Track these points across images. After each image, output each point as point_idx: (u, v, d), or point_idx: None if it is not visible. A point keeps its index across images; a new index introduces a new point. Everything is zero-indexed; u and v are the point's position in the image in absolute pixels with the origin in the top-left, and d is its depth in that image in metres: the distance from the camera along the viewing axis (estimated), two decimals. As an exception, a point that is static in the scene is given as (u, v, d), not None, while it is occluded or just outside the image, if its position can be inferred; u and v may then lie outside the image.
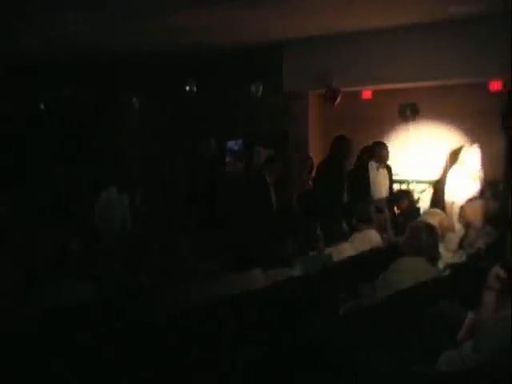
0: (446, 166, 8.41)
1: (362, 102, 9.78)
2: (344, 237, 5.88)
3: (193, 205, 8.93)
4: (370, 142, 8.46)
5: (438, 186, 8.53)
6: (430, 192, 8.94)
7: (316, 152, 9.63)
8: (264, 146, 9.77)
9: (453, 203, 7.19)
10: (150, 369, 3.30)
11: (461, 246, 5.58)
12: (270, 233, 5.39)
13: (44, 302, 3.82)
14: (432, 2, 7.37)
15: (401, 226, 6.38)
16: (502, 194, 7.16)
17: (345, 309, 4.24)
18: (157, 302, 3.93)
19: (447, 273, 4.65)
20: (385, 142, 8.48)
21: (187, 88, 10.49)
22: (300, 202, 8.54)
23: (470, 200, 6.17)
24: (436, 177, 8.96)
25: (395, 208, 7.72)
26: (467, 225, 5.80)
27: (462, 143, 7.96)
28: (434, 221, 5.42)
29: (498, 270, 2.86)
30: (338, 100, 9.44)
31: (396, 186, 8.71)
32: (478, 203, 5.98)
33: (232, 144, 10.77)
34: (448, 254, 5.28)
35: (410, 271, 4.30)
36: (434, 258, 4.54)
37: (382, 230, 6.19)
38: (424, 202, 8.72)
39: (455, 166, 7.83)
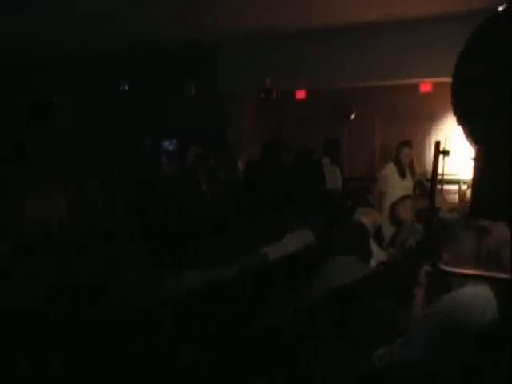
0: (380, 164, 8.52)
1: (296, 101, 9.86)
2: (279, 236, 5.89)
3: (127, 205, 8.79)
4: (324, 138, 8.51)
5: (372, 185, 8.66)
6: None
7: (252, 152, 9.65)
8: (199, 146, 9.72)
9: (385, 201, 7.30)
10: (83, 372, 3.23)
11: (392, 243, 5.68)
12: (205, 233, 5.36)
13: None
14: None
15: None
16: (430, 193, 7.30)
17: (280, 309, 4.25)
18: (90, 303, 3.85)
19: (380, 270, 4.72)
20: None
21: (121, 87, 10.36)
22: (236, 202, 8.54)
23: (401, 198, 6.29)
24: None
25: None
26: (398, 223, 5.91)
27: (393, 142, 8.07)
28: (366, 219, 5.49)
29: (426, 267, 2.92)
30: (272, 100, 9.48)
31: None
32: (409, 201, 6.10)
33: (167, 144, 10.69)
34: (380, 252, 5.36)
35: (343, 270, 4.33)
36: (366, 256, 4.59)
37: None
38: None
39: (388, 165, 7.94)
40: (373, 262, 4.84)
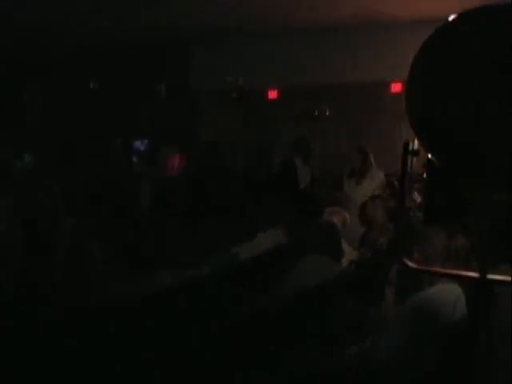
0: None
1: (268, 101, 9.87)
2: (250, 236, 5.89)
3: (97, 206, 8.71)
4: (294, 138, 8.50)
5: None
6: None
7: (225, 152, 9.63)
8: (170, 146, 9.67)
9: (354, 201, 7.31)
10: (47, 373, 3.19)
11: (363, 243, 5.71)
12: (176, 232, 5.33)
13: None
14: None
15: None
16: (399, 192, 7.32)
17: (251, 308, 4.24)
18: (60, 303, 3.81)
19: (350, 270, 4.74)
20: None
21: (92, 87, 10.27)
22: (208, 201, 8.51)
23: (371, 198, 6.32)
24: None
25: None
26: (368, 222, 5.94)
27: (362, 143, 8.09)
28: (336, 219, 5.52)
29: (397, 266, 2.94)
30: (244, 99, 9.48)
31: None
32: (379, 201, 6.14)
33: (138, 144, 10.62)
34: (351, 251, 5.38)
35: (314, 269, 4.35)
36: (337, 255, 4.61)
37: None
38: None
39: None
40: (344, 262, 4.86)
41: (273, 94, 9.84)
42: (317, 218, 5.91)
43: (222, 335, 3.54)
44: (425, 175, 2.03)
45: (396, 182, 7.55)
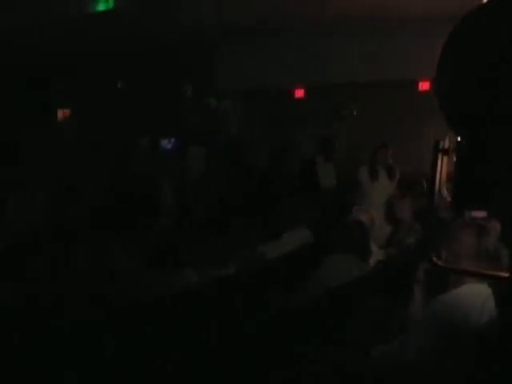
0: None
1: (295, 100, 9.85)
2: (276, 235, 5.88)
3: (124, 204, 8.78)
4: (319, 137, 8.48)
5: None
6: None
7: (251, 151, 9.64)
8: (197, 145, 9.71)
9: (380, 200, 7.26)
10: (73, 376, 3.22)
11: (390, 242, 5.67)
12: (202, 231, 5.35)
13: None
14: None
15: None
16: (427, 192, 7.27)
17: (278, 307, 4.24)
18: (83, 303, 3.84)
19: (378, 269, 4.71)
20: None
21: (119, 86, 10.35)
22: (234, 200, 8.53)
23: (398, 197, 6.28)
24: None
25: None
26: (396, 222, 5.90)
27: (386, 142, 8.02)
28: (363, 218, 5.48)
29: (425, 265, 2.92)
30: (271, 98, 9.48)
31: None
32: (407, 200, 6.09)
33: (165, 143, 10.67)
34: (378, 251, 5.35)
35: (341, 268, 4.33)
36: (364, 254, 4.59)
37: None
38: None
39: (361, 168, 7.86)
40: (371, 261, 4.83)
41: (300, 93, 9.82)
42: (344, 216, 5.89)
43: (248, 335, 3.55)
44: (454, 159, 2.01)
45: (424, 181, 7.50)
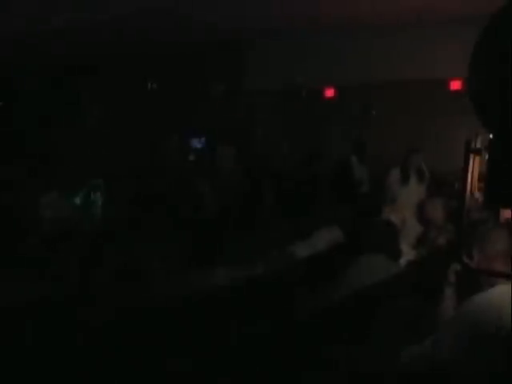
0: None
1: (324, 100, 9.83)
2: (306, 234, 5.88)
3: (154, 204, 8.84)
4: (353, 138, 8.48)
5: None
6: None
7: (281, 151, 9.64)
8: (227, 144, 9.74)
9: (411, 201, 7.22)
10: (106, 373, 3.25)
11: (421, 242, 5.63)
12: (231, 230, 5.37)
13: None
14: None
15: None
16: (459, 192, 7.22)
17: (307, 307, 4.24)
18: (115, 301, 3.88)
19: (409, 269, 4.68)
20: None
21: (149, 87, 10.43)
22: (264, 200, 8.54)
23: (430, 198, 6.23)
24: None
25: None
26: (428, 222, 5.86)
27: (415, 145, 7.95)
28: (394, 218, 5.45)
29: (456, 266, 2.89)
30: (301, 98, 9.47)
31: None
32: (439, 201, 6.04)
33: (195, 142, 10.73)
34: (409, 251, 5.31)
35: (370, 269, 4.31)
36: (395, 255, 4.56)
37: None
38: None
39: (393, 170, 7.81)
40: (402, 261, 4.80)
41: (330, 93, 9.79)
42: (374, 216, 5.87)
43: (277, 334, 3.55)
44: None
45: (456, 182, 7.43)
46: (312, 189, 7.96)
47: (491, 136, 1.87)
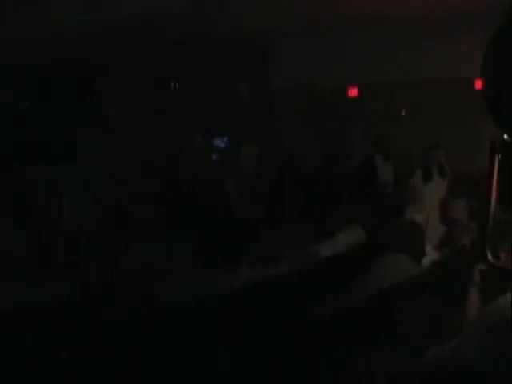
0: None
1: (348, 99, 9.81)
2: (330, 234, 5.88)
3: (176, 203, 8.89)
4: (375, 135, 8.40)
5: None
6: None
7: (304, 151, 9.63)
8: (251, 144, 9.75)
9: (435, 200, 7.17)
10: (131, 369, 3.28)
11: (445, 242, 5.60)
12: (254, 230, 5.38)
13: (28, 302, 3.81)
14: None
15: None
16: (486, 192, 7.15)
17: (329, 307, 4.24)
18: (139, 301, 3.91)
19: (432, 270, 4.66)
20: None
21: (172, 86, 10.48)
22: (287, 199, 8.53)
23: (454, 197, 6.20)
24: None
25: None
26: (451, 221, 5.82)
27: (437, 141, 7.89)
28: (418, 218, 5.43)
29: (481, 266, 2.87)
30: (325, 97, 9.46)
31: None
32: (463, 200, 6.01)
33: (219, 141, 10.76)
34: (433, 251, 5.29)
35: (394, 268, 4.30)
36: (418, 255, 4.54)
37: None
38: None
39: (416, 171, 7.75)
40: (426, 261, 4.78)
41: (353, 92, 9.76)
42: (398, 216, 5.85)
43: (299, 334, 3.55)
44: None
45: (480, 181, 7.35)
46: (335, 188, 7.94)
47: (505, 137, 1.86)
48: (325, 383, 3.27)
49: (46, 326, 3.54)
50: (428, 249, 5.10)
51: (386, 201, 7.73)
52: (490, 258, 2.12)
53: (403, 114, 9.47)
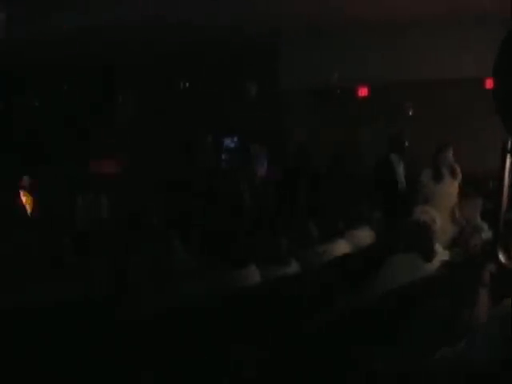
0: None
1: (357, 99, 9.78)
2: (340, 234, 5.87)
3: (188, 204, 8.91)
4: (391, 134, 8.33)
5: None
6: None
7: (314, 151, 9.61)
8: (260, 144, 9.76)
9: (445, 200, 7.14)
10: (140, 369, 3.29)
11: (455, 243, 5.57)
12: (264, 230, 5.38)
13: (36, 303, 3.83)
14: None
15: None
16: (497, 192, 7.11)
17: (340, 307, 4.23)
18: (148, 301, 3.92)
19: (443, 270, 4.64)
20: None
21: (182, 86, 10.50)
22: (297, 200, 8.53)
23: (465, 197, 6.17)
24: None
25: None
26: (462, 222, 5.80)
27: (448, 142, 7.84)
28: (427, 218, 5.41)
29: (491, 267, 2.86)
30: (335, 97, 9.44)
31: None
32: (473, 200, 5.98)
33: (228, 142, 10.77)
34: (444, 252, 5.27)
35: (404, 268, 4.29)
36: (428, 254, 4.53)
37: None
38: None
39: (425, 170, 7.70)
40: (436, 262, 4.76)
41: (363, 92, 9.73)
42: (408, 216, 5.83)
43: (309, 334, 3.55)
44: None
45: (491, 181, 7.32)
46: (345, 188, 7.93)
47: None
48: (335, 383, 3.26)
49: (59, 326, 3.56)
50: (439, 249, 5.08)
51: (397, 201, 7.70)
52: (500, 258, 2.12)
53: (413, 113, 9.43)
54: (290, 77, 9.93)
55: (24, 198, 8.77)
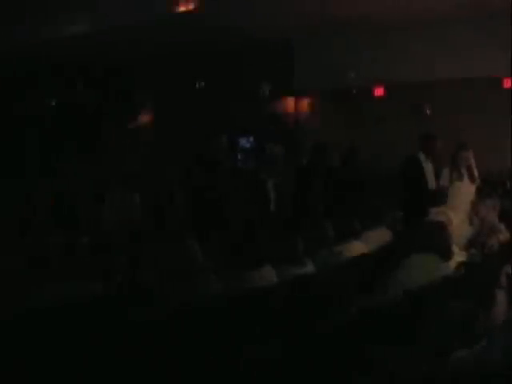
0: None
1: (373, 99, 9.75)
2: (356, 235, 5.86)
3: (203, 204, 8.92)
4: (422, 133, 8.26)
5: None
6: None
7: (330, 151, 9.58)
8: (276, 143, 9.75)
9: (463, 201, 7.10)
10: (154, 369, 3.30)
11: (472, 243, 5.54)
12: (281, 230, 5.39)
13: (49, 302, 3.86)
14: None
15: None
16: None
17: (356, 308, 4.22)
18: (165, 301, 3.93)
19: (459, 271, 4.62)
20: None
21: (197, 85, 10.52)
22: (312, 200, 8.51)
23: (483, 198, 6.13)
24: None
25: None
26: (480, 222, 5.76)
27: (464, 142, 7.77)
28: (444, 218, 5.39)
29: (508, 269, 2.85)
30: (351, 97, 9.43)
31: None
32: (491, 201, 5.94)
33: (244, 141, 10.78)
34: (460, 252, 5.24)
35: (421, 269, 4.27)
36: (446, 255, 4.51)
37: None
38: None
39: (444, 170, 7.63)
40: (453, 262, 4.74)
41: (379, 91, 9.71)
42: (425, 216, 5.82)
43: (324, 334, 3.55)
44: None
45: (508, 182, 7.28)
46: (362, 188, 7.90)
47: None
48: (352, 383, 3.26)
49: (73, 325, 3.58)
50: (455, 250, 5.06)
51: (424, 200, 7.60)
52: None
53: (430, 113, 9.38)
54: (305, 77, 9.92)
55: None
